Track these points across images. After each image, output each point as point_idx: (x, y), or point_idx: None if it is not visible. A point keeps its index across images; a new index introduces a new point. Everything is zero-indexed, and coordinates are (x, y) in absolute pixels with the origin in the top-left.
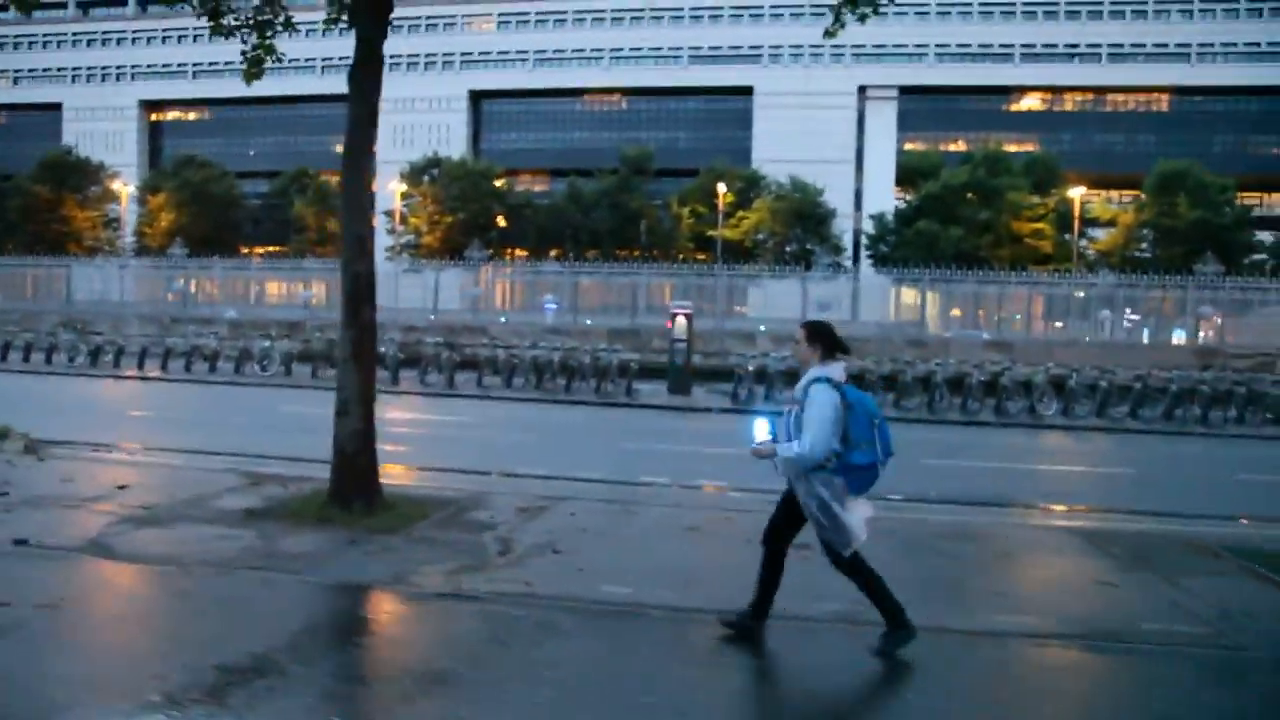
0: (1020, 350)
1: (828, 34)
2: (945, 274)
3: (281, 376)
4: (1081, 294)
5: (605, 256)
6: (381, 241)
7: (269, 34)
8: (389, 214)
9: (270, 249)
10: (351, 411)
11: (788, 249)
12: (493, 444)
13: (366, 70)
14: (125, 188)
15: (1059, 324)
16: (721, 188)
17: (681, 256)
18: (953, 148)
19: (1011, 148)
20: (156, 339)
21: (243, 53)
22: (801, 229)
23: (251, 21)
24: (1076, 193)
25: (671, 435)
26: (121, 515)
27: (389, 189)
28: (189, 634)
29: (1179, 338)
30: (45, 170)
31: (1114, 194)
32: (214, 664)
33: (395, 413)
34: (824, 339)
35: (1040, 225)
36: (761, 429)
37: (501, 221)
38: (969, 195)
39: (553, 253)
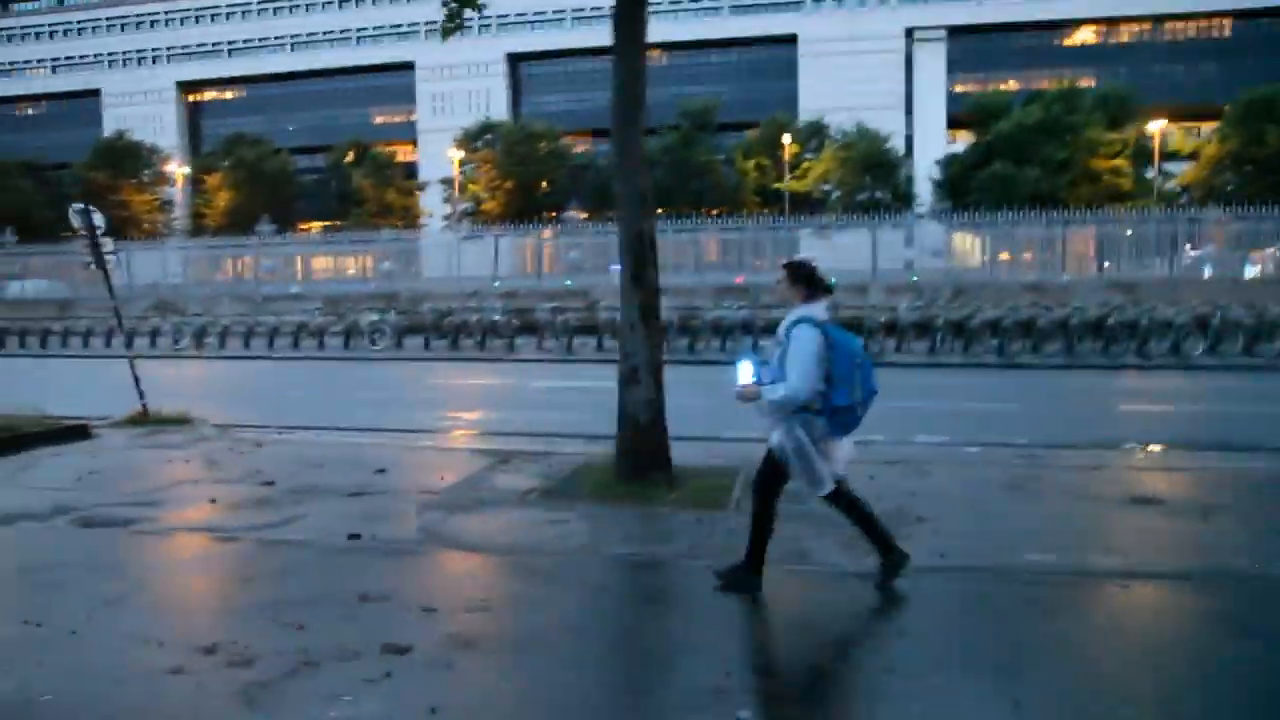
0: (1143, 291)
1: None
2: (1056, 215)
3: (394, 350)
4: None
5: (670, 214)
6: (437, 210)
7: None
8: (444, 182)
9: (327, 224)
10: (642, 379)
11: (858, 198)
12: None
13: (632, 16)
14: (180, 169)
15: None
16: (786, 139)
17: (747, 210)
18: (1003, 88)
19: (1065, 84)
20: (244, 318)
21: (445, 3)
22: (870, 177)
23: None
24: (1156, 126)
25: None
26: (421, 502)
27: (443, 155)
28: (697, 638)
29: None
30: (100, 156)
31: (1191, 125)
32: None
33: (539, 379)
34: (806, 279)
35: (1119, 162)
36: (746, 372)
37: (555, 184)
38: (1043, 133)
39: (578, 215)
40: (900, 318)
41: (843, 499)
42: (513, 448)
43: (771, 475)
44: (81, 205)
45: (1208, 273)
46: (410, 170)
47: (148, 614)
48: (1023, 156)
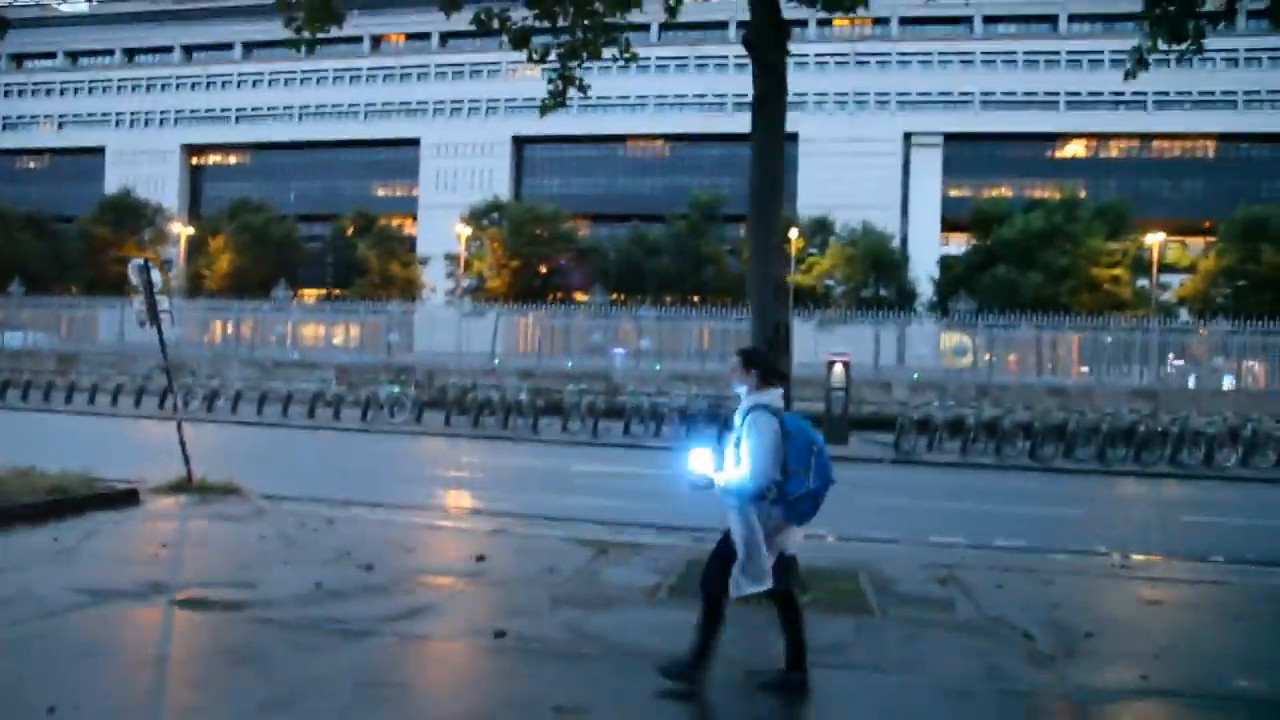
0: (1164, 399)
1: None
2: (1058, 320)
3: (413, 424)
4: (1194, 341)
5: (676, 301)
6: (440, 284)
7: (574, 63)
8: (449, 257)
9: (325, 292)
10: None
11: (862, 294)
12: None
13: (773, 101)
14: (185, 229)
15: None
16: (793, 234)
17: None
18: (995, 194)
19: (1056, 194)
20: (254, 383)
21: (550, 80)
22: (874, 275)
23: (562, 49)
24: (1155, 238)
25: (894, 489)
26: (547, 596)
27: (443, 230)
28: None
29: None
30: (104, 211)
31: (1177, 239)
32: None
33: (575, 463)
34: (760, 366)
35: (1118, 271)
36: (699, 460)
37: (560, 266)
38: (1045, 240)
39: (612, 296)
40: (933, 416)
41: (780, 596)
42: (599, 537)
43: (720, 564)
44: (141, 261)
45: (1227, 384)
46: (410, 243)
47: None
48: (1025, 262)
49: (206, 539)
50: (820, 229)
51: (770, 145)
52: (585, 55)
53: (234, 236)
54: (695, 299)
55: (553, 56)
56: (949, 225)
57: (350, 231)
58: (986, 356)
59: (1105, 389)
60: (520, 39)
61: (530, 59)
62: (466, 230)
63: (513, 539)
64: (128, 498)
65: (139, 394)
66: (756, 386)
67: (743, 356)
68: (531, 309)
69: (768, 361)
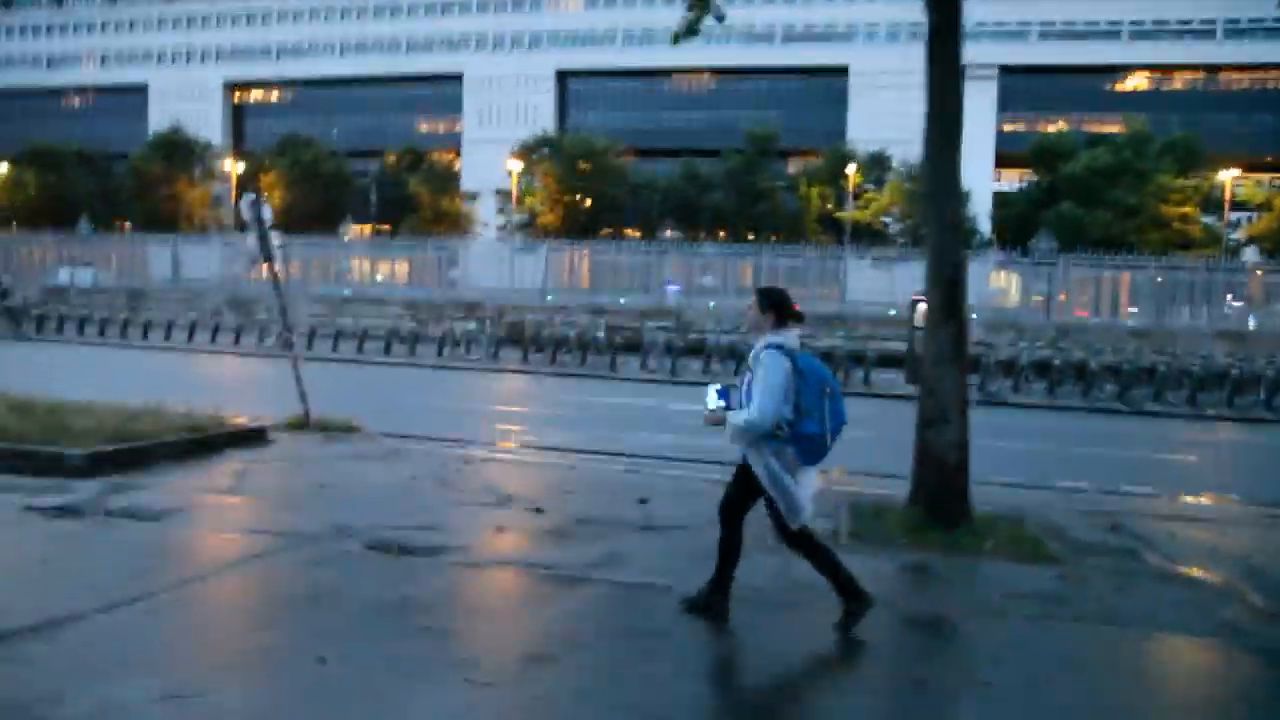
0: (1253, 342)
1: None
2: (1142, 260)
3: (490, 360)
4: None
5: (728, 237)
6: (490, 220)
7: None
8: (499, 192)
9: (372, 227)
10: (951, 420)
11: (922, 231)
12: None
13: (946, 34)
14: (235, 166)
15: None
16: (851, 169)
17: (808, 238)
18: (1051, 129)
19: (1116, 129)
20: (325, 320)
21: (691, 4)
22: None
23: None
24: (1228, 175)
25: (989, 431)
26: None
27: (488, 165)
28: None
29: None
30: (155, 149)
31: (1245, 176)
32: None
33: (671, 401)
34: (776, 306)
35: (1187, 209)
36: (713, 396)
37: (615, 200)
38: (1112, 177)
39: (668, 233)
40: (1018, 357)
41: (804, 542)
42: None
43: (739, 498)
44: (253, 196)
45: None
46: (455, 179)
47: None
48: (1090, 199)
49: (361, 480)
50: (877, 165)
51: (945, 81)
52: None
53: (286, 172)
54: (750, 235)
55: None
56: (1003, 161)
57: (399, 167)
58: (1062, 297)
59: (1188, 331)
60: None
61: None
62: (518, 165)
63: (659, 480)
64: (258, 436)
65: (214, 330)
66: (773, 326)
67: (760, 295)
68: (584, 243)
69: (784, 302)
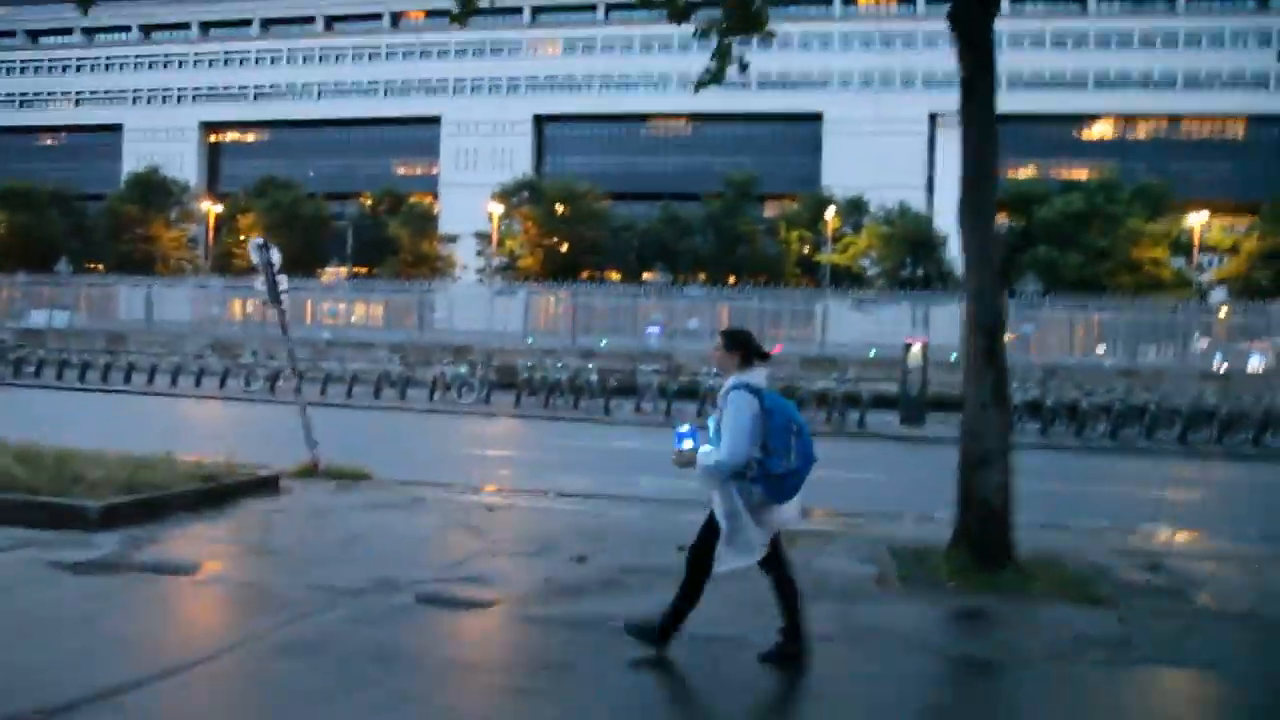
0: (1236, 382)
1: None
2: (1124, 302)
3: (483, 405)
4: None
5: (708, 281)
6: (470, 263)
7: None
8: (478, 235)
9: (347, 270)
10: (994, 462)
11: (902, 274)
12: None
13: (980, 80)
14: (212, 207)
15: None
16: (829, 213)
17: (788, 281)
18: (1022, 175)
19: (1083, 175)
20: (310, 364)
21: (715, 54)
22: (913, 255)
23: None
24: (1197, 219)
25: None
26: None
27: (465, 208)
28: None
29: None
30: (132, 189)
31: (1226, 221)
32: None
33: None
34: (743, 346)
35: (1158, 252)
36: (683, 438)
37: (596, 244)
38: (1084, 221)
39: (644, 275)
40: (1013, 398)
41: (774, 567)
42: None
43: (710, 540)
44: (260, 241)
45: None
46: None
47: None
48: (1065, 242)
49: (389, 530)
50: (854, 209)
51: (981, 127)
52: (747, 29)
53: (265, 214)
54: (731, 279)
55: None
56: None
57: (378, 209)
58: (1038, 337)
59: (1174, 371)
60: (681, 12)
61: (695, 35)
62: (498, 208)
63: (685, 525)
64: (271, 484)
65: (199, 374)
66: (739, 367)
67: (725, 336)
68: (565, 286)
69: (750, 342)
